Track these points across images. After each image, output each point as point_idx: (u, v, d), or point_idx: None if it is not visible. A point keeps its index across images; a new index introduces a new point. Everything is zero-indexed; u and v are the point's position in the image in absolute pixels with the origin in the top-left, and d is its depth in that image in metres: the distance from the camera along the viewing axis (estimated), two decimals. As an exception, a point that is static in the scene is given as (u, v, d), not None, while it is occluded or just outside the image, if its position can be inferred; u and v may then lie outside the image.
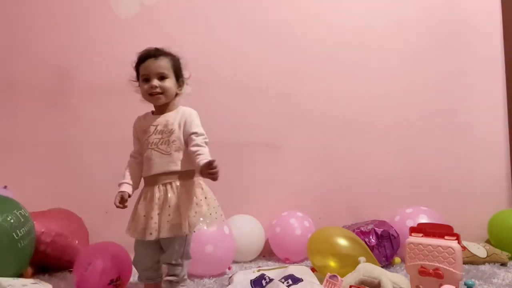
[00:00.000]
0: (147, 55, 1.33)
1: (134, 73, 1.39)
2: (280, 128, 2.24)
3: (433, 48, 2.32)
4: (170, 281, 1.29)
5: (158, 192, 1.28)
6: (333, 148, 2.25)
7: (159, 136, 1.31)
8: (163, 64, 1.32)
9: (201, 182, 1.34)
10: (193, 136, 1.29)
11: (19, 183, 2.01)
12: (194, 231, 1.30)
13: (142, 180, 1.38)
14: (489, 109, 2.31)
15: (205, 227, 1.30)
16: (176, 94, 1.38)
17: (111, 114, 2.10)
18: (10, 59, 2.18)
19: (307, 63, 2.27)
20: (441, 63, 2.32)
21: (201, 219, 1.27)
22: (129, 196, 1.33)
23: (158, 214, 1.25)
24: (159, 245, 1.32)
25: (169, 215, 1.25)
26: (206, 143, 1.31)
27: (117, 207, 1.30)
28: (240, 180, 2.18)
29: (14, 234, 1.44)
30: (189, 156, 1.30)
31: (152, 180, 1.31)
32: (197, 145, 1.27)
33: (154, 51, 1.33)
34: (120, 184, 1.33)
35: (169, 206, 1.26)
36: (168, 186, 1.28)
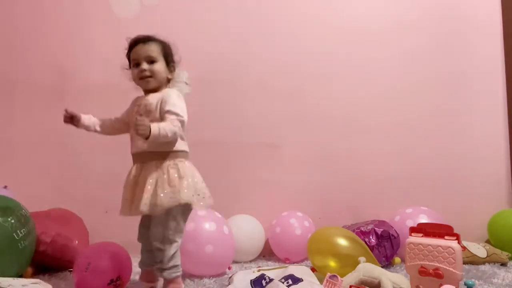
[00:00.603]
0: (137, 41, 1.35)
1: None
2: (280, 128, 2.24)
3: (433, 48, 2.32)
4: (158, 269, 1.32)
5: (134, 170, 1.30)
6: (333, 148, 2.25)
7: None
8: (152, 48, 1.34)
9: (178, 163, 1.30)
10: (166, 115, 1.27)
11: (19, 183, 2.01)
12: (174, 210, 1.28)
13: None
14: (489, 109, 2.31)
15: (194, 207, 1.30)
16: (169, 80, 1.39)
17: (111, 114, 2.09)
18: (10, 59, 2.18)
19: (307, 63, 2.27)
20: (441, 63, 2.32)
21: (171, 198, 1.23)
22: (78, 118, 1.34)
23: (132, 192, 1.27)
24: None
25: (143, 193, 1.24)
26: (181, 122, 1.27)
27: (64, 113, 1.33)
28: (240, 180, 2.19)
29: (14, 234, 1.44)
30: None
31: (134, 159, 1.34)
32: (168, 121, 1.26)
33: (143, 37, 1.36)
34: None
35: (141, 185, 1.26)
36: (144, 165, 1.29)
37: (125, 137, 1.45)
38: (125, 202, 1.30)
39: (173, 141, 1.29)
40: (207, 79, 2.17)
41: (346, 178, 2.24)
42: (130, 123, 1.37)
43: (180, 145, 1.33)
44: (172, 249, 1.30)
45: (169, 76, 1.39)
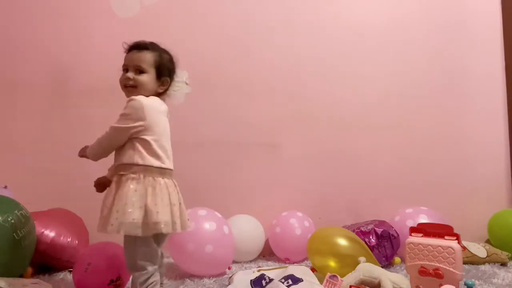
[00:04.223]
0: (133, 46, 1.31)
1: None
2: (280, 128, 2.24)
3: (433, 48, 2.32)
4: None
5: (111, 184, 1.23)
6: (333, 148, 2.25)
7: None
8: (144, 58, 1.27)
9: (131, 180, 1.17)
10: None
11: (19, 183, 2.01)
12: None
13: None
14: (489, 109, 2.31)
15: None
16: (160, 93, 1.32)
17: (111, 114, 2.08)
18: (10, 59, 2.18)
19: (307, 63, 2.27)
20: (441, 63, 2.32)
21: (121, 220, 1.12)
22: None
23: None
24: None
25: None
26: (114, 128, 1.24)
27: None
28: (240, 180, 2.18)
29: (15, 234, 1.44)
30: (131, 148, 1.22)
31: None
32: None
33: (140, 44, 1.31)
34: None
35: (106, 200, 1.19)
36: (114, 179, 1.21)
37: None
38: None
39: (99, 153, 1.30)
40: (207, 79, 2.17)
41: (346, 178, 2.24)
42: None
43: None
44: (137, 276, 1.20)
45: (159, 90, 1.31)
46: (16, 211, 1.50)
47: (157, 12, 2.21)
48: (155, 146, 1.22)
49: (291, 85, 2.26)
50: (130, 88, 1.27)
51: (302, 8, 2.29)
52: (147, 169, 1.19)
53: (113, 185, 1.20)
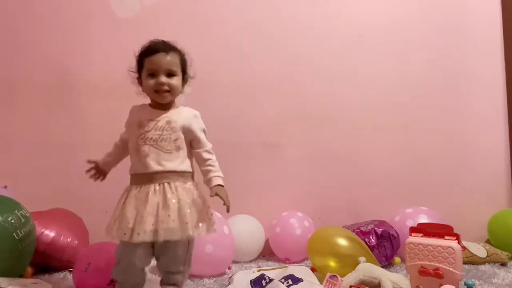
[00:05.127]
0: (157, 49, 1.24)
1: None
2: (280, 128, 2.24)
3: (433, 48, 2.32)
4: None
5: (154, 191, 1.18)
6: (333, 148, 2.25)
7: (159, 133, 1.22)
8: (173, 60, 1.24)
9: (195, 186, 1.28)
10: (201, 142, 1.29)
11: (19, 183, 2.01)
12: (198, 235, 1.23)
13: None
14: (489, 109, 2.31)
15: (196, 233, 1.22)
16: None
17: (111, 114, 2.09)
18: (10, 58, 2.18)
19: (307, 62, 2.27)
20: (441, 63, 2.32)
21: (200, 224, 1.22)
22: (98, 166, 1.34)
23: (155, 215, 1.15)
24: (152, 250, 1.23)
25: (169, 216, 1.15)
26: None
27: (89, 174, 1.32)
28: (240, 180, 2.18)
29: (14, 234, 1.44)
30: (189, 157, 1.27)
31: (147, 178, 1.20)
32: (207, 151, 1.28)
33: (164, 46, 1.25)
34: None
35: (169, 207, 1.16)
36: (166, 186, 1.19)
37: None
38: (134, 225, 1.15)
39: None
40: (207, 79, 2.17)
41: (346, 178, 2.24)
42: (134, 138, 1.25)
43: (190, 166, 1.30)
44: (189, 270, 1.30)
45: (181, 90, 1.31)
46: (16, 211, 1.50)
47: (157, 12, 2.21)
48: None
49: (291, 85, 2.26)
50: (164, 93, 1.25)
51: (302, 8, 2.29)
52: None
53: (183, 192, 1.23)
